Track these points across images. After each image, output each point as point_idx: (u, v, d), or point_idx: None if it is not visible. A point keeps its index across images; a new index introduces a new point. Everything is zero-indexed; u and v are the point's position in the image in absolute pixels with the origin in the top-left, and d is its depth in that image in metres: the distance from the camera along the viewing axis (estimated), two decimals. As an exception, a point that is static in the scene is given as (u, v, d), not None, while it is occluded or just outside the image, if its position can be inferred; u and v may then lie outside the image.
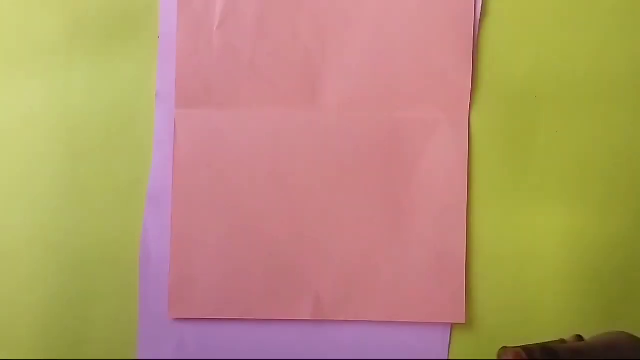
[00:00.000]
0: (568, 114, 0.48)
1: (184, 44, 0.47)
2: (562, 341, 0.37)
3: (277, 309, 0.47)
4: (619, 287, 0.47)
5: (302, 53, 0.47)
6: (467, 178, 0.47)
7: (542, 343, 0.37)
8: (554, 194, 0.48)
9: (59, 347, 0.47)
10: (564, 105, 0.48)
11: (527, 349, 0.36)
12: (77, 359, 0.47)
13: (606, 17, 0.48)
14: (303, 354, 0.47)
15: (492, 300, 0.47)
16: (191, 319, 0.47)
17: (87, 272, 0.47)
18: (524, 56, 0.48)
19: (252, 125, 0.47)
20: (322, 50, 0.47)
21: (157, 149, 0.47)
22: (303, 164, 0.47)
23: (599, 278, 0.47)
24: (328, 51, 0.47)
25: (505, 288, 0.47)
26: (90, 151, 0.48)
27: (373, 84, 0.47)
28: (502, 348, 0.37)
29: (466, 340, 0.47)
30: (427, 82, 0.47)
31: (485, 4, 0.48)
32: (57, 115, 0.48)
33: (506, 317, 0.47)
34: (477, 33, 0.48)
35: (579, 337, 0.38)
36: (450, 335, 0.47)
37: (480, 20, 0.48)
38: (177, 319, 0.47)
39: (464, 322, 0.47)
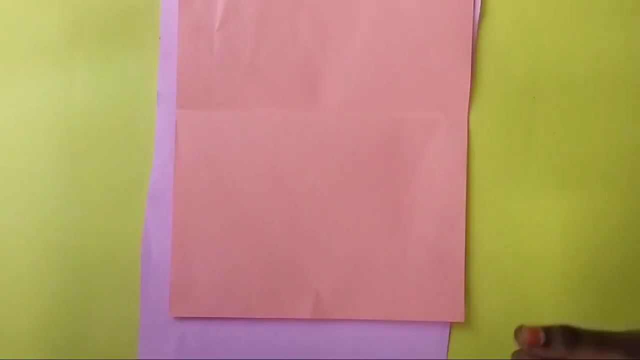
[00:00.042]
0: (566, 113, 0.48)
1: (185, 45, 0.47)
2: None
3: (278, 307, 0.47)
4: (618, 286, 0.48)
5: (302, 54, 0.48)
6: (466, 177, 0.47)
7: (564, 324, 0.36)
8: (552, 194, 0.48)
9: (61, 345, 0.48)
10: (562, 105, 0.48)
11: (546, 328, 0.35)
12: (79, 358, 0.47)
13: (604, 17, 0.48)
14: (303, 353, 0.47)
15: (491, 300, 0.48)
16: (192, 318, 0.47)
17: (88, 271, 0.48)
18: (522, 57, 0.48)
19: (253, 125, 0.47)
20: (322, 51, 0.48)
21: (158, 148, 0.48)
22: (303, 164, 0.47)
23: (598, 277, 0.48)
24: (328, 52, 0.48)
25: (504, 287, 0.48)
26: (92, 151, 0.48)
27: (373, 84, 0.47)
28: (519, 326, 0.36)
29: (465, 339, 0.47)
30: (426, 83, 0.47)
31: (484, 4, 0.48)
32: (59, 115, 0.48)
33: (505, 316, 0.47)
34: (476, 34, 0.48)
35: None
36: (450, 334, 0.47)
37: (479, 20, 0.48)
38: (178, 317, 0.47)
39: (462, 321, 0.47)
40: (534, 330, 0.35)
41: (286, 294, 0.47)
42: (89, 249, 0.48)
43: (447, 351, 0.47)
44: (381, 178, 0.47)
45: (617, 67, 0.48)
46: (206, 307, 0.47)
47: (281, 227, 0.47)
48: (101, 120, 0.48)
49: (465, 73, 0.47)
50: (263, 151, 0.47)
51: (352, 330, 0.47)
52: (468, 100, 0.47)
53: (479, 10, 0.48)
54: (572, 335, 0.35)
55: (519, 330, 0.36)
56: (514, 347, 0.47)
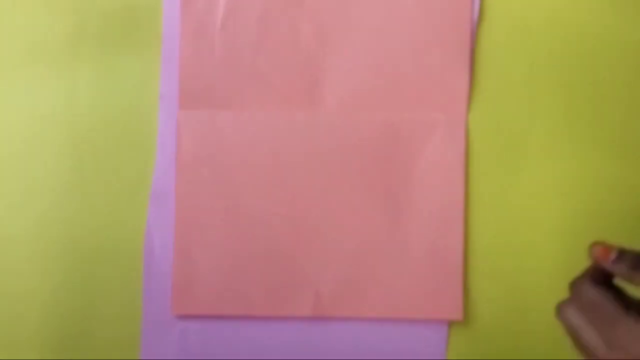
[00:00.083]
0: (564, 114, 0.48)
1: (186, 46, 0.48)
2: None
3: (279, 305, 0.47)
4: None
5: (303, 55, 0.48)
6: (464, 177, 0.48)
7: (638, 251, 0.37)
8: (550, 194, 0.48)
9: (63, 343, 0.48)
10: (559, 106, 0.48)
11: (621, 250, 0.36)
12: (81, 355, 0.48)
13: (601, 19, 0.48)
14: (302, 352, 0.48)
15: (489, 299, 0.48)
16: (194, 316, 0.48)
17: (91, 270, 0.48)
18: (520, 57, 0.48)
19: (254, 126, 0.48)
20: (323, 53, 0.48)
21: (160, 149, 0.48)
22: (303, 163, 0.48)
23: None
24: (328, 53, 0.48)
25: (503, 286, 0.48)
26: (95, 151, 0.48)
27: (372, 85, 0.48)
28: (595, 241, 0.37)
29: (464, 338, 0.48)
30: (425, 84, 0.48)
31: (482, 6, 0.48)
32: (62, 116, 0.48)
33: (503, 314, 0.48)
34: (474, 35, 0.48)
35: None
36: (448, 333, 0.48)
37: (477, 21, 0.48)
38: (180, 315, 0.48)
39: (461, 319, 0.47)
40: (608, 248, 0.36)
41: (287, 292, 0.47)
42: (92, 248, 0.48)
43: (446, 350, 0.48)
44: (380, 178, 0.48)
45: (614, 67, 0.48)
46: (208, 305, 0.47)
47: (282, 226, 0.47)
48: (104, 121, 0.48)
49: (464, 74, 0.48)
50: (264, 151, 0.48)
51: (351, 329, 0.48)
52: (467, 101, 0.48)
53: (477, 11, 0.48)
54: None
55: (594, 245, 0.37)
56: (513, 345, 0.48)
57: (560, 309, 0.37)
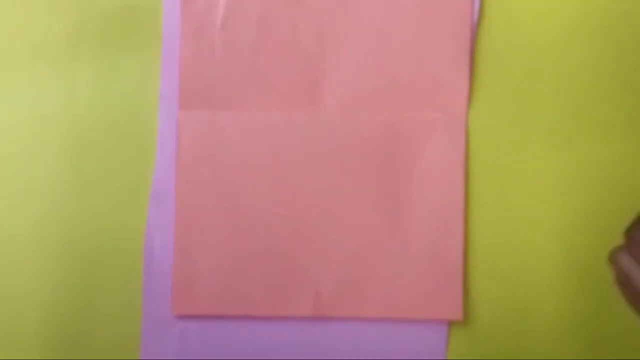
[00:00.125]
0: (564, 114, 0.48)
1: (186, 46, 0.48)
2: None
3: (278, 305, 0.47)
4: (616, 286, 0.48)
5: (303, 55, 0.48)
6: (464, 177, 0.48)
7: None
8: (551, 194, 0.48)
9: (62, 343, 0.48)
10: (559, 106, 0.48)
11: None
12: (81, 355, 0.48)
13: (603, 19, 0.48)
14: (302, 352, 0.48)
15: (489, 299, 0.48)
16: (194, 316, 0.48)
17: (91, 270, 0.48)
18: (521, 57, 0.48)
19: (254, 126, 0.48)
20: (323, 53, 0.48)
21: (160, 148, 0.48)
22: (303, 163, 0.48)
23: (597, 276, 0.48)
24: (328, 53, 0.48)
25: (503, 286, 0.48)
26: (95, 151, 0.48)
27: (372, 85, 0.48)
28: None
29: (464, 338, 0.48)
30: (425, 84, 0.48)
31: (482, 6, 0.48)
32: (63, 116, 0.48)
33: (504, 314, 0.48)
34: (474, 35, 0.48)
35: None
36: (448, 333, 0.48)
37: (477, 22, 0.48)
38: (180, 315, 0.48)
39: (461, 319, 0.47)
40: None
41: (287, 292, 0.47)
42: (92, 248, 0.48)
43: (446, 350, 0.48)
44: (380, 178, 0.48)
45: (616, 68, 0.48)
46: (208, 305, 0.47)
47: (282, 226, 0.48)
48: (104, 121, 0.48)
49: (464, 74, 0.48)
50: (264, 150, 0.48)
51: (351, 329, 0.48)
52: (467, 101, 0.48)
53: (477, 11, 0.48)
54: None
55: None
56: (513, 345, 0.48)
57: (613, 255, 0.37)
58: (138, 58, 0.48)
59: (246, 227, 0.47)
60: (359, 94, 0.48)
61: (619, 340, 0.47)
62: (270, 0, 0.48)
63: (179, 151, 0.48)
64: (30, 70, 0.48)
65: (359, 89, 0.48)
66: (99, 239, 0.48)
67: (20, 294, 0.48)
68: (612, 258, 0.37)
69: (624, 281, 0.36)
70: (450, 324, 0.48)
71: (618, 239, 0.47)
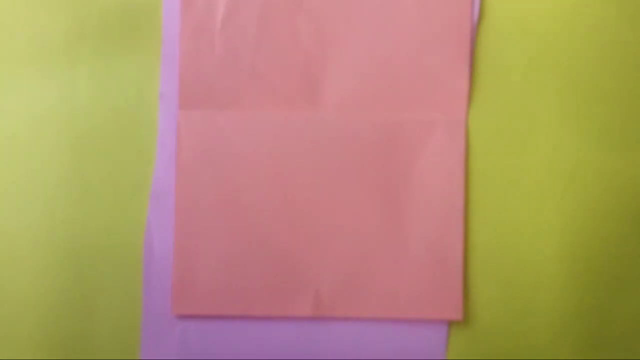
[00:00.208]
0: (564, 114, 0.48)
1: (186, 46, 0.48)
2: None
3: (278, 305, 0.47)
4: (617, 285, 0.48)
5: (302, 55, 0.48)
6: (464, 177, 0.48)
7: None
8: (551, 194, 0.48)
9: (62, 344, 0.48)
10: (560, 106, 0.48)
11: None
12: (80, 355, 0.48)
13: (604, 19, 0.48)
14: (302, 352, 0.48)
15: (489, 299, 0.48)
16: (194, 316, 0.48)
17: (90, 270, 0.48)
18: (520, 58, 0.48)
19: (254, 126, 0.48)
20: (322, 53, 0.48)
21: (160, 148, 0.48)
22: (303, 163, 0.48)
23: (597, 276, 0.48)
24: (328, 53, 0.48)
25: (503, 286, 0.48)
26: (94, 151, 0.48)
27: (372, 85, 0.48)
28: None
29: (464, 338, 0.48)
30: (425, 84, 0.48)
31: (482, 6, 0.48)
32: (62, 116, 0.48)
33: (504, 314, 0.48)
34: (474, 35, 0.48)
35: None
36: (448, 333, 0.48)
37: (477, 22, 0.48)
38: (180, 315, 0.48)
39: (461, 319, 0.47)
40: None
41: (287, 292, 0.47)
42: (92, 248, 0.48)
43: (446, 350, 0.48)
44: (380, 178, 0.48)
45: (616, 68, 0.48)
46: (208, 305, 0.47)
47: (282, 226, 0.48)
48: (104, 121, 0.48)
49: (464, 74, 0.48)
50: (263, 150, 0.48)
51: (351, 329, 0.48)
52: (467, 101, 0.48)
53: (477, 11, 0.48)
54: None
55: None
56: (513, 345, 0.48)
57: None
58: (138, 58, 0.48)
59: (246, 227, 0.47)
60: (359, 94, 0.48)
61: (619, 340, 0.47)
62: (270, 0, 0.48)
63: (179, 151, 0.48)
64: (30, 70, 0.48)
65: (358, 89, 0.48)
66: (99, 239, 0.48)
67: (20, 293, 0.48)
68: None
69: None
70: (450, 324, 0.48)
71: (618, 239, 0.48)
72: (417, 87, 0.48)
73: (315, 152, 0.48)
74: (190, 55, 0.48)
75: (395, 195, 0.48)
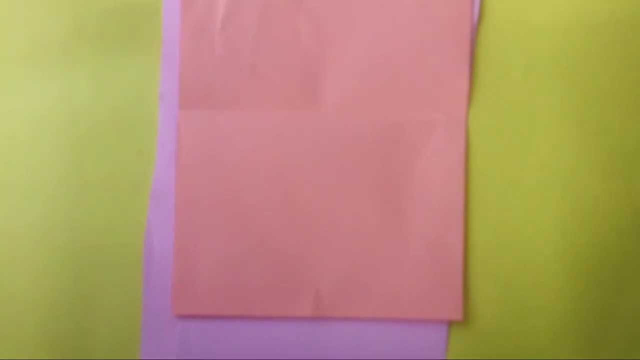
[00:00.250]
0: (564, 114, 0.48)
1: (186, 46, 0.48)
2: None
3: (278, 305, 0.47)
4: (617, 285, 0.48)
5: (302, 55, 0.48)
6: (464, 177, 0.48)
7: None
8: (551, 194, 0.48)
9: (62, 344, 0.48)
10: (560, 106, 0.48)
11: None
12: (80, 355, 0.48)
13: (604, 19, 0.48)
14: (302, 352, 0.48)
15: (489, 299, 0.48)
16: (194, 316, 0.48)
17: (91, 270, 0.48)
18: (520, 58, 0.48)
19: (253, 126, 0.48)
20: (322, 53, 0.48)
21: (160, 148, 0.48)
22: (303, 163, 0.48)
23: (597, 276, 0.48)
24: (328, 54, 0.48)
25: (503, 286, 0.48)
26: (94, 151, 0.48)
27: (372, 85, 0.48)
28: None
29: (464, 338, 0.48)
30: (425, 84, 0.48)
31: (482, 6, 0.48)
32: (62, 116, 0.48)
33: (504, 314, 0.48)
34: (474, 35, 0.48)
35: None
36: (448, 333, 0.48)
37: (477, 22, 0.48)
38: (180, 315, 0.48)
39: (461, 319, 0.47)
40: None
41: (287, 292, 0.47)
42: (92, 248, 0.48)
43: (446, 350, 0.48)
44: (380, 178, 0.48)
45: (616, 68, 0.48)
46: (208, 305, 0.47)
47: (282, 226, 0.48)
48: (104, 121, 0.48)
49: (464, 74, 0.48)
50: (263, 150, 0.48)
51: (351, 329, 0.48)
52: (467, 101, 0.48)
53: (477, 11, 0.48)
54: None
55: None
56: (513, 345, 0.48)
57: None
58: (138, 58, 0.48)
59: (246, 227, 0.47)
60: (359, 93, 0.48)
61: (619, 340, 0.48)
62: (270, 0, 0.48)
63: (179, 151, 0.48)
64: (30, 70, 0.48)
65: (358, 88, 0.48)
66: (99, 239, 0.48)
67: (20, 293, 0.48)
68: None
69: None
70: (450, 324, 0.48)
71: (617, 239, 0.48)
72: (417, 87, 0.48)
73: (315, 152, 0.48)
74: (190, 55, 0.48)
75: (395, 196, 0.48)
